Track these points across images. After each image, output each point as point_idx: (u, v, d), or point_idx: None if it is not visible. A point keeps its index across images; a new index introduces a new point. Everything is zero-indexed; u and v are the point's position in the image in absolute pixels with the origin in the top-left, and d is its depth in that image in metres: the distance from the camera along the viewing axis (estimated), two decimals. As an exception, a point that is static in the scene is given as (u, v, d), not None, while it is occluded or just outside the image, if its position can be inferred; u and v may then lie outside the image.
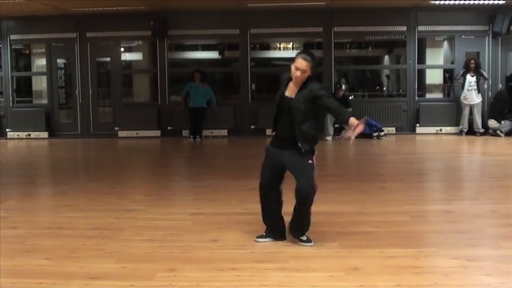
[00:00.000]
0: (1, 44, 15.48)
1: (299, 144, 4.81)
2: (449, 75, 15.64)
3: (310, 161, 4.93)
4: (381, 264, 4.46)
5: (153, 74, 15.87)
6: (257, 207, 5.16)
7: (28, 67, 16.85)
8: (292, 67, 4.76)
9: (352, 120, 4.65)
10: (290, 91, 4.87)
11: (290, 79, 4.87)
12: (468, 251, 4.75)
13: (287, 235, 5.13)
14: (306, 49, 4.88)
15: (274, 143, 5.03)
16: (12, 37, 15.50)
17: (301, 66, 4.72)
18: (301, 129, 4.78)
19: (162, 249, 4.98)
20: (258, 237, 5.12)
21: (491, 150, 12.33)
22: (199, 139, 14.11)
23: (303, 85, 4.81)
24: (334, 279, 4.17)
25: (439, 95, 15.84)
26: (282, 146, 4.93)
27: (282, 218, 5.15)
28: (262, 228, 5.18)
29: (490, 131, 14.00)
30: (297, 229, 5.06)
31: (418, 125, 14.79)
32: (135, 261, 4.64)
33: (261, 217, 5.18)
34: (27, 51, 16.90)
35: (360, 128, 4.59)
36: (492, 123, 13.97)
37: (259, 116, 14.58)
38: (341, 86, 14.43)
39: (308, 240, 5.00)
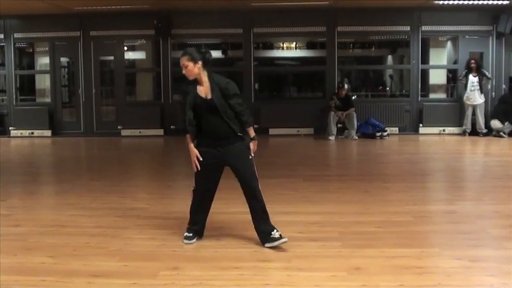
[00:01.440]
0: (5, 42, 15.51)
1: (237, 133, 4.90)
2: (452, 75, 15.64)
3: (250, 157, 4.95)
4: (383, 264, 4.46)
5: (157, 73, 15.88)
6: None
7: (31, 65, 16.91)
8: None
9: (253, 146, 4.98)
10: (201, 90, 4.89)
11: (195, 81, 4.92)
12: (471, 252, 4.75)
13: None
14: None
15: (206, 144, 4.94)
16: (16, 35, 15.53)
17: (181, 63, 4.85)
18: (234, 121, 4.89)
19: (165, 247, 4.99)
20: (186, 238, 5.09)
21: (494, 151, 12.30)
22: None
23: (211, 81, 4.87)
24: (336, 279, 4.17)
25: (443, 95, 15.81)
26: (218, 143, 4.89)
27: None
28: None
29: (493, 132, 13.97)
30: (268, 227, 4.94)
31: (421, 125, 14.77)
32: (138, 260, 4.65)
33: (190, 218, 5.18)
34: (31, 50, 16.94)
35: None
36: (495, 123, 13.93)
37: (262, 115, 14.54)
38: (343, 86, 14.46)
39: (281, 237, 4.89)
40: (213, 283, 4.12)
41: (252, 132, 4.99)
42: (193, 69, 4.82)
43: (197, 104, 4.84)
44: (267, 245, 4.88)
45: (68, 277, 4.24)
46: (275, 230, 4.91)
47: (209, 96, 4.84)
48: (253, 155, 4.96)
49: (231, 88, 4.89)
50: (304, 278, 4.19)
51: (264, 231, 4.93)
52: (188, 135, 4.97)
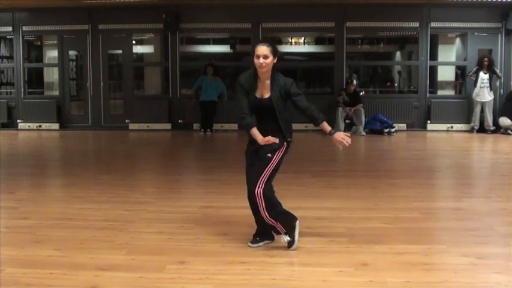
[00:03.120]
0: (13, 35, 15.57)
1: (284, 134, 4.62)
2: (461, 72, 15.59)
3: (269, 155, 4.61)
4: (390, 260, 4.46)
5: (165, 67, 15.89)
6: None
7: (40, 58, 16.94)
8: (255, 60, 4.59)
9: (338, 137, 4.58)
10: (261, 91, 4.64)
11: (254, 77, 4.68)
12: (478, 249, 4.74)
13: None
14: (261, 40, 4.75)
15: (250, 146, 4.75)
16: (25, 28, 15.58)
17: (261, 51, 4.55)
18: (285, 123, 4.63)
19: (172, 241, 4.99)
20: (252, 242, 4.85)
21: (502, 148, 12.27)
22: (209, 133, 14.13)
23: (272, 80, 4.62)
24: (343, 275, 4.17)
25: (451, 92, 15.77)
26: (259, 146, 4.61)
27: None
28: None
29: (501, 129, 13.93)
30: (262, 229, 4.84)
31: (429, 121, 14.74)
32: (144, 253, 4.65)
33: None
34: (39, 43, 16.98)
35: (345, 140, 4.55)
36: (503, 121, 13.88)
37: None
38: (352, 81, 14.42)
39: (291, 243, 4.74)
40: (220, 277, 4.12)
41: (327, 127, 4.61)
42: (271, 62, 4.59)
43: (250, 102, 4.60)
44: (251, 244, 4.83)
45: (75, 270, 4.25)
46: (257, 238, 4.85)
47: (266, 96, 4.60)
48: (347, 142, 4.58)
49: (294, 88, 4.61)
50: (311, 274, 4.19)
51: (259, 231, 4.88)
52: (254, 129, 4.62)
